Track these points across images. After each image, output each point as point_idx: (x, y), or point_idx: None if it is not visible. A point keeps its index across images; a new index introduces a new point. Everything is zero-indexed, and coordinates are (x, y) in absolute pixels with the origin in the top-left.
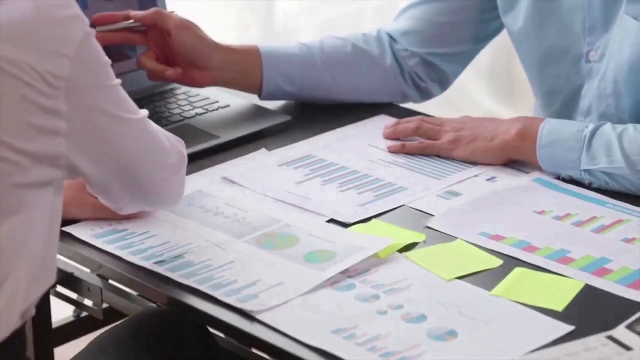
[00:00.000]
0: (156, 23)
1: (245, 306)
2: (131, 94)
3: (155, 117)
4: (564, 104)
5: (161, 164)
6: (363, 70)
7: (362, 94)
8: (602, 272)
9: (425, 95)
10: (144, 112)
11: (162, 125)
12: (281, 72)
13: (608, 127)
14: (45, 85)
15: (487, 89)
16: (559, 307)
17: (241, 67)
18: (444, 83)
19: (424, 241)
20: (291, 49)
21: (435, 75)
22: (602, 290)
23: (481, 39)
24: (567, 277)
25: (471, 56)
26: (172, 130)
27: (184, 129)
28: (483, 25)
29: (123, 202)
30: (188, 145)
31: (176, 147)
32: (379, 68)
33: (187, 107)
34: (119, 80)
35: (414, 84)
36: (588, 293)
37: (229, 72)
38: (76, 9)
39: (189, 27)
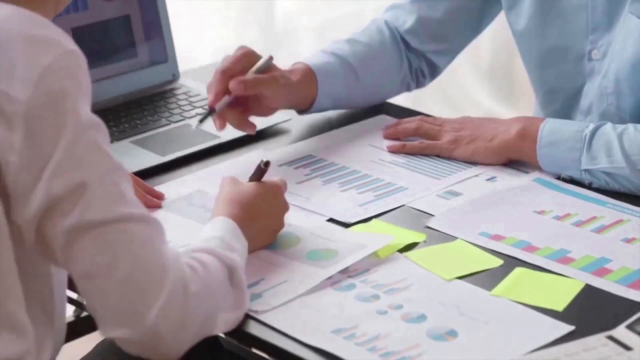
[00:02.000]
0: (254, 92)
1: (250, 306)
2: (131, 95)
3: (156, 117)
4: (564, 102)
5: (141, 283)
6: (388, 79)
7: (382, 99)
8: (602, 272)
9: (417, 86)
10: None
11: (162, 125)
12: (329, 94)
13: (608, 127)
14: None
15: (487, 89)
16: (559, 307)
17: (300, 94)
18: (435, 75)
19: (424, 241)
20: (336, 66)
21: (431, 69)
22: (602, 290)
23: (480, 30)
24: (567, 277)
25: (465, 46)
26: (172, 130)
27: (184, 129)
28: (483, 17)
29: (98, 312)
30: (188, 146)
31: (180, 268)
32: (399, 71)
33: (187, 107)
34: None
35: (417, 80)
36: (588, 293)
37: (291, 103)
38: (52, 32)
39: (279, 83)
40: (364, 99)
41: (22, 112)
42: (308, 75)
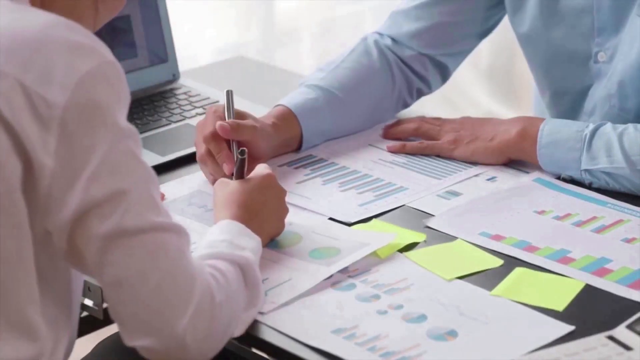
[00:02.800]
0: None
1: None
2: (131, 94)
3: (156, 117)
4: (571, 103)
5: (171, 293)
6: (380, 104)
7: (376, 123)
8: (602, 272)
9: (419, 97)
10: (162, 218)
11: (162, 125)
12: (316, 130)
13: (608, 127)
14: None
15: (487, 89)
16: (559, 307)
17: (280, 138)
18: (447, 76)
19: (424, 241)
20: (319, 102)
21: (441, 77)
22: (602, 290)
23: (486, 32)
24: (568, 277)
25: (471, 50)
26: (172, 130)
27: (184, 129)
28: (488, 20)
29: (125, 320)
30: (188, 146)
31: (206, 279)
32: (392, 94)
33: (188, 107)
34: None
35: (417, 94)
36: (588, 293)
37: (277, 149)
38: (92, 41)
39: (258, 129)
40: (356, 126)
41: (58, 116)
42: (285, 117)
